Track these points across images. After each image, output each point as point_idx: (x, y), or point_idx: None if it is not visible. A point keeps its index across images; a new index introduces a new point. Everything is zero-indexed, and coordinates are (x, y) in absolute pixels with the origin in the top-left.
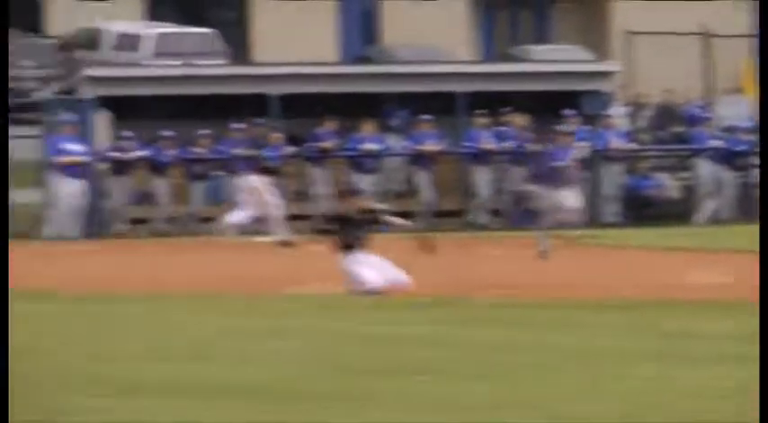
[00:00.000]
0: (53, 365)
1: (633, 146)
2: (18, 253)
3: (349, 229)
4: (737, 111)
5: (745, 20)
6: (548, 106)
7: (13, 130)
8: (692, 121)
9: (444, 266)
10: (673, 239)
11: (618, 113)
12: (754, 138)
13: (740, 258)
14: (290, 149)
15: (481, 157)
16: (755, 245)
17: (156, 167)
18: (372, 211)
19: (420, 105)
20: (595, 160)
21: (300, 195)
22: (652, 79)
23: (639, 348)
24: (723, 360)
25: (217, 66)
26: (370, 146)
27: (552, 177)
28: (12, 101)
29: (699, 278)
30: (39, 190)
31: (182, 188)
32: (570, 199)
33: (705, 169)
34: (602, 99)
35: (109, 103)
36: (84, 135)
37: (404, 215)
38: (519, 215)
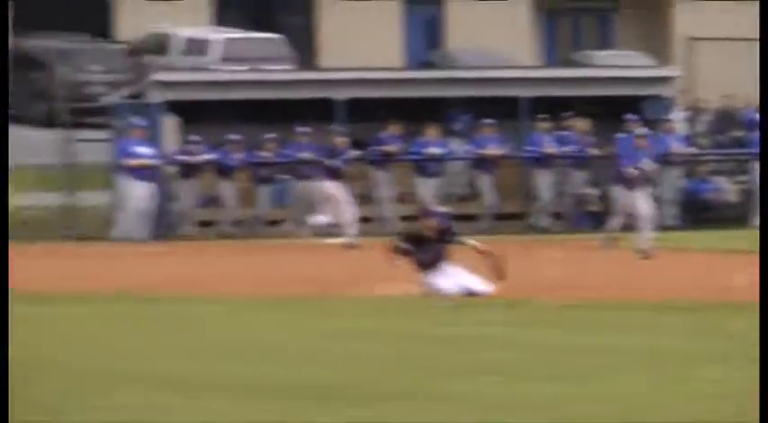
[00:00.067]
0: (128, 365)
1: (692, 150)
2: (88, 254)
3: (426, 249)
4: None
5: None
6: (609, 111)
7: (81, 134)
8: (751, 125)
9: (509, 270)
10: (732, 242)
11: (678, 118)
12: None
13: None
14: (355, 153)
15: (543, 160)
16: None
17: (223, 171)
18: (449, 233)
19: (483, 110)
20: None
21: (364, 198)
22: (712, 84)
23: (704, 350)
24: None
25: (283, 71)
26: (434, 150)
27: (627, 180)
28: (80, 105)
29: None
30: (108, 192)
31: (248, 191)
32: (645, 202)
33: None
34: (663, 104)
35: (177, 107)
36: (152, 139)
37: (466, 218)
38: (579, 218)
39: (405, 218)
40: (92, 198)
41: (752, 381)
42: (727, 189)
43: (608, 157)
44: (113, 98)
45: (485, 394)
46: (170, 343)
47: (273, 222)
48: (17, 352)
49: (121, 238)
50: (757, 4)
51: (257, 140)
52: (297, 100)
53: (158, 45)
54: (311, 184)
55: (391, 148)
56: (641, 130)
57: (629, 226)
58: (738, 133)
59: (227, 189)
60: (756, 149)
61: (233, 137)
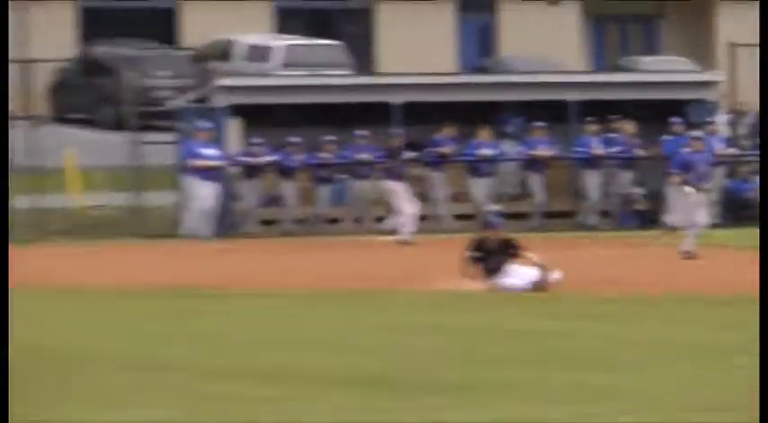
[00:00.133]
0: (210, 359)
1: (734, 151)
2: (156, 251)
3: (492, 258)
4: None
5: None
6: (655, 114)
7: (148, 137)
8: None
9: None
10: None
11: (721, 121)
12: None
13: None
14: (411, 155)
15: (591, 161)
16: None
17: (285, 171)
18: (512, 244)
19: (534, 113)
20: None
21: (420, 198)
22: (753, 88)
23: (738, 341)
24: None
25: (342, 76)
26: (487, 151)
27: (689, 180)
28: (147, 109)
29: None
30: (174, 192)
31: (308, 191)
32: (702, 207)
33: None
34: (707, 107)
35: (240, 110)
36: (217, 141)
37: (517, 216)
38: (626, 216)
39: (458, 217)
40: (158, 198)
41: None
42: None
43: (654, 157)
44: (179, 102)
45: (533, 385)
46: (241, 337)
47: (333, 220)
48: (98, 344)
49: (187, 236)
50: None
51: (317, 142)
52: (355, 104)
53: (222, 51)
54: (373, 183)
55: (446, 149)
56: (696, 133)
57: (679, 226)
58: None
59: (289, 189)
60: None
61: (294, 139)
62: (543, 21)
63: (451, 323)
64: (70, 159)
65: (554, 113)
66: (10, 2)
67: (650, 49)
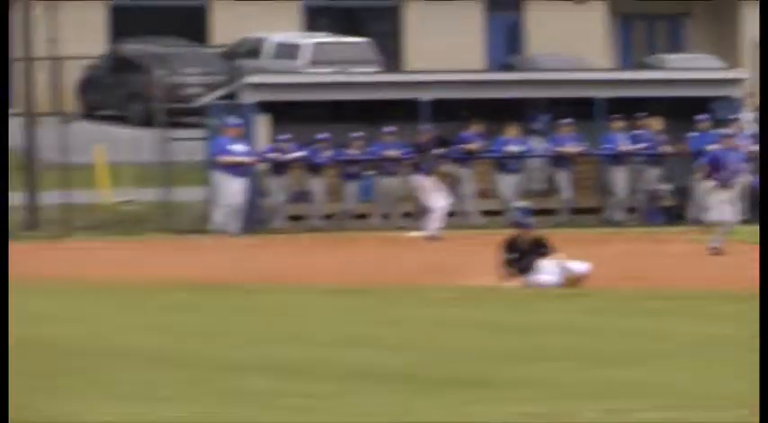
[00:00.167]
0: (245, 353)
1: (758, 148)
2: (184, 247)
3: (524, 257)
4: None
5: None
6: (681, 111)
7: (177, 133)
8: None
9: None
10: None
11: (746, 118)
12: None
13: None
14: (439, 151)
15: (618, 158)
16: None
17: (313, 167)
18: (543, 243)
19: (561, 110)
20: None
21: (448, 194)
22: None
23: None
24: None
25: (370, 73)
26: (514, 147)
27: (719, 177)
28: (176, 106)
29: None
30: (202, 188)
31: (336, 187)
32: (730, 205)
33: None
34: (733, 104)
35: (268, 107)
36: (245, 137)
37: (545, 212)
38: (652, 212)
39: (485, 213)
40: (187, 194)
41: None
42: None
43: (681, 154)
44: (208, 99)
45: (560, 380)
46: (268, 332)
47: (360, 216)
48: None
49: (215, 231)
50: None
51: (345, 139)
52: (383, 101)
53: (251, 49)
54: (401, 179)
55: (473, 146)
56: (727, 130)
57: (716, 222)
58: None
59: (317, 185)
60: None
61: (322, 135)
62: (570, 19)
63: (480, 318)
64: (100, 156)
65: (581, 110)
66: (41, 1)
67: (676, 47)
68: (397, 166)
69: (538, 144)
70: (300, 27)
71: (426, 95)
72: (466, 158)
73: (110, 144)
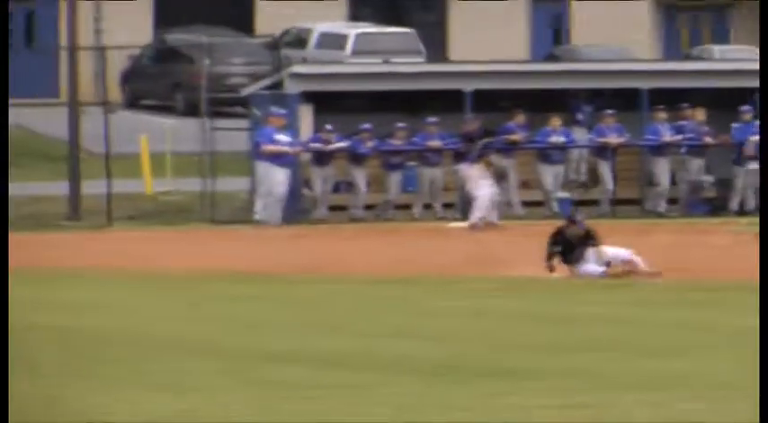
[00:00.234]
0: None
1: None
2: (226, 237)
3: (572, 250)
4: None
5: None
6: (724, 103)
7: (221, 123)
8: None
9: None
10: None
11: None
12: None
13: None
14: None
15: (660, 148)
16: None
17: (355, 158)
18: (592, 235)
19: (604, 101)
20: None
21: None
22: None
23: None
24: None
25: (414, 63)
26: (557, 138)
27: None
28: (221, 96)
29: None
30: (245, 179)
31: (379, 177)
32: None
33: None
34: None
35: (312, 97)
36: (290, 127)
37: (587, 203)
38: (694, 203)
39: (528, 203)
40: (230, 184)
41: None
42: None
43: (724, 145)
44: (253, 89)
45: (604, 371)
46: (310, 322)
47: (403, 207)
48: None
49: (258, 222)
50: None
51: (388, 129)
52: (426, 91)
53: (296, 39)
54: (445, 169)
55: (516, 136)
56: None
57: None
58: None
59: (360, 175)
60: None
61: (365, 126)
62: (615, 10)
63: (522, 309)
64: (143, 145)
65: (624, 101)
66: None
67: (721, 38)
68: (440, 156)
69: (581, 135)
70: (345, 17)
71: (470, 86)
72: (509, 149)
73: (153, 134)
